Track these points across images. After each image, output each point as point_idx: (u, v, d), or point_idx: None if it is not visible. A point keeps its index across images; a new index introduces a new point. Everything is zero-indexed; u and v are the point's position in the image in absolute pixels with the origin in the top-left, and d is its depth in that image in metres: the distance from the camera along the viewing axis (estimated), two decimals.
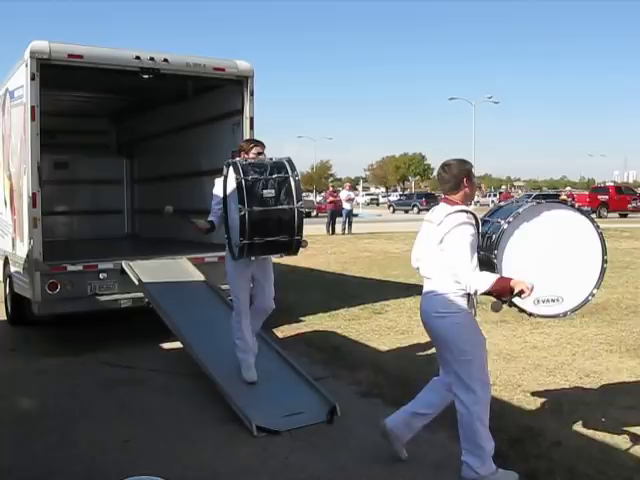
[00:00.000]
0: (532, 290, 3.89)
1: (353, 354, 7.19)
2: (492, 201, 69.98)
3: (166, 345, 7.46)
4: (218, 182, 5.67)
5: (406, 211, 57.39)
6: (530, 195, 48.26)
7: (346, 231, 25.38)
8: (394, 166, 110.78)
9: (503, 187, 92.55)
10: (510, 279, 3.97)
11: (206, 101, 9.92)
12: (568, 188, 72.01)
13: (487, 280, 3.92)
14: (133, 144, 13.44)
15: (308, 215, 46.58)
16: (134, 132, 13.29)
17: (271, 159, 5.49)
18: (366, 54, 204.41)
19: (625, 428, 5.02)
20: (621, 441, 4.80)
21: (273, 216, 5.25)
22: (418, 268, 4.44)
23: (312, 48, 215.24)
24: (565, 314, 4.56)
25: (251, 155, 5.74)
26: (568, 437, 4.86)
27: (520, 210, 4.38)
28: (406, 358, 6.98)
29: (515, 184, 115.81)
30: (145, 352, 7.34)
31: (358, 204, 56.47)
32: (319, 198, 62.62)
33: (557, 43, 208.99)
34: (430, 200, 54.01)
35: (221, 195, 5.47)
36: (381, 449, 4.59)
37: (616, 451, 4.66)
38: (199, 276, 7.89)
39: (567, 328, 8.29)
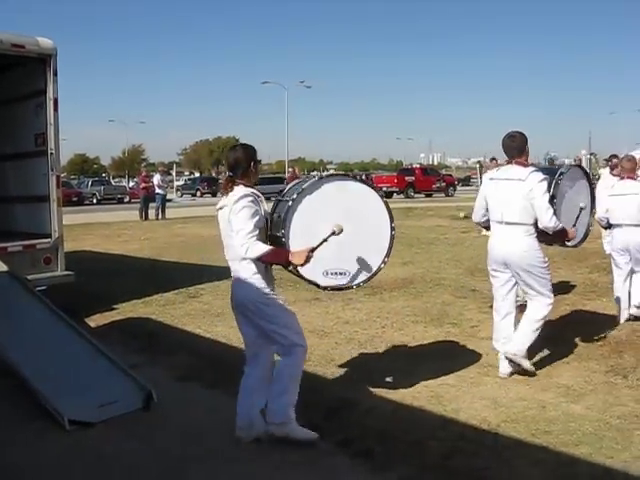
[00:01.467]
0: (308, 260, 4.17)
1: (168, 339, 7.10)
2: None
3: None
4: None
5: (193, 194, 57.25)
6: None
7: (159, 216, 24.85)
8: (208, 150, 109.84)
9: (315, 171, 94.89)
10: (287, 251, 4.26)
11: (5, 80, 9.26)
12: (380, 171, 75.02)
13: (260, 249, 4.17)
14: None
15: (121, 201, 45.18)
16: None
17: None
18: (175, 35, 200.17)
19: (430, 390, 5.40)
20: (426, 402, 5.16)
21: None
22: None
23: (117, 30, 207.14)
24: (357, 285, 4.70)
25: None
26: (379, 404, 5.14)
27: (304, 186, 4.49)
28: (222, 340, 6.98)
29: (328, 167, 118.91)
30: None
31: (173, 189, 55.58)
32: (132, 184, 60.86)
33: (363, 25, 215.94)
34: (213, 184, 54.33)
35: None
36: (200, 430, 4.59)
37: (422, 412, 5.00)
38: (1, 266, 7.40)
39: (377, 303, 8.71)
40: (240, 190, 4.29)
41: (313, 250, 4.20)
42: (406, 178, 44.04)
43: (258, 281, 4.35)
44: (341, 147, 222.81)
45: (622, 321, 7.39)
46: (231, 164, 4.46)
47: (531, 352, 6.24)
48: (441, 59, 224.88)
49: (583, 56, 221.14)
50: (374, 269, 4.68)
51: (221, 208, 4.39)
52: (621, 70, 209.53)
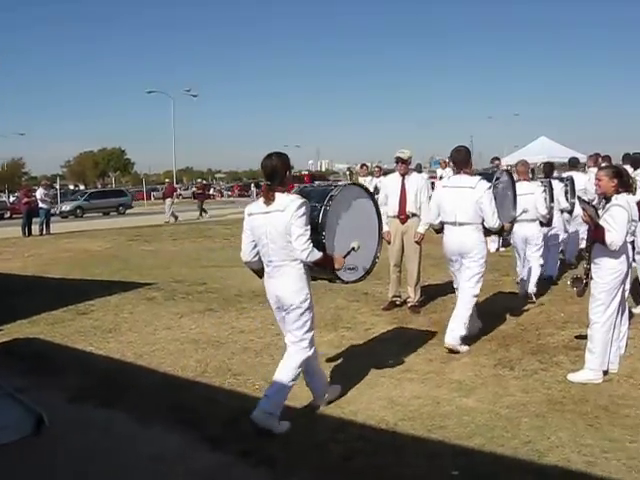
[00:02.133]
0: (342, 265, 4.91)
1: (58, 359, 6.82)
2: (192, 193, 70.73)
3: None
4: None
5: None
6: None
7: (44, 232, 23.90)
8: (93, 162, 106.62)
9: (199, 179, 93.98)
10: (332, 258, 4.85)
11: None
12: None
13: (317, 255, 4.69)
14: None
15: (1, 217, 43.11)
16: None
17: None
18: (54, 43, 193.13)
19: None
20: (325, 407, 5.21)
21: None
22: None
23: None
24: (364, 277, 5.41)
25: None
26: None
27: (333, 192, 5.07)
28: (115, 357, 6.79)
29: (217, 176, 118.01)
30: None
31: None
32: (12, 199, 58.17)
33: (247, 29, 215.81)
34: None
35: None
36: (95, 452, 4.45)
37: (320, 415, 5.05)
38: None
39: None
40: (292, 197, 4.72)
41: (345, 257, 4.93)
42: (295, 185, 44.18)
43: (304, 281, 4.85)
44: (229, 156, 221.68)
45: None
46: (269, 173, 4.77)
47: (422, 351, 6.46)
48: (328, 61, 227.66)
49: (463, 60, 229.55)
50: (371, 263, 5.45)
51: (268, 212, 4.74)
52: (499, 75, 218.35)
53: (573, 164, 13.30)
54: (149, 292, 10.21)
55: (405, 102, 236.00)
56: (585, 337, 5.92)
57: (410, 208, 8.31)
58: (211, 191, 75.02)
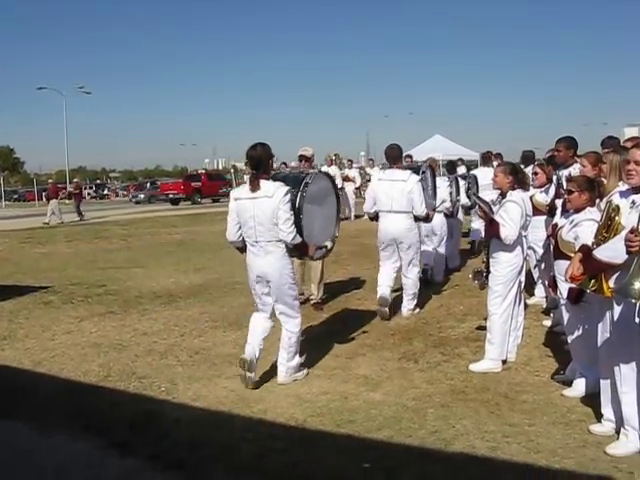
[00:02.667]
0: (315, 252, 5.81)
1: None
2: (88, 193, 68.77)
3: None
4: None
5: None
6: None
7: None
8: None
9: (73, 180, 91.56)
10: (308, 244, 5.65)
11: None
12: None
13: (299, 238, 5.44)
14: None
15: None
16: None
17: None
18: None
19: (236, 394, 5.43)
20: (233, 406, 5.19)
21: None
22: None
23: None
24: (327, 253, 6.30)
25: None
26: (186, 413, 5.07)
27: (308, 180, 5.73)
28: (12, 365, 6.47)
29: (111, 175, 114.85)
30: None
31: None
32: None
33: (141, 27, 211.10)
34: None
35: None
36: None
37: (229, 416, 5.02)
38: None
39: (173, 311, 8.58)
40: (276, 184, 5.36)
41: (319, 247, 5.92)
42: (192, 184, 43.50)
43: (287, 259, 5.58)
44: (124, 155, 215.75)
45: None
46: (255, 162, 5.41)
47: (327, 348, 6.53)
48: (224, 59, 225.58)
49: (360, 59, 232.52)
50: (332, 242, 6.23)
51: (255, 198, 5.34)
52: (395, 75, 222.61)
53: (485, 160, 13.76)
54: (45, 296, 9.83)
55: (303, 101, 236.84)
56: (484, 328, 6.16)
57: None
58: (105, 191, 73.17)
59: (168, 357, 6.57)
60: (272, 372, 5.90)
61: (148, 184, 60.36)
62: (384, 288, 7.73)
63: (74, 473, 4.16)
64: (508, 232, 5.68)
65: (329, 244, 6.09)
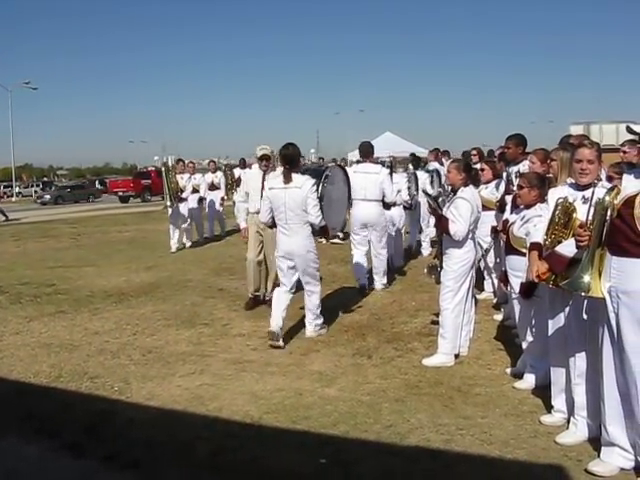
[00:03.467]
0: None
1: None
2: (35, 191, 67.41)
3: None
4: None
5: None
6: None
7: None
8: None
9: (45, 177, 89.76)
10: (327, 227, 7.00)
11: None
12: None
13: (324, 221, 6.77)
14: None
15: None
16: None
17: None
18: None
19: (190, 392, 5.40)
20: (188, 404, 5.15)
21: None
22: None
23: None
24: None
25: None
26: (140, 413, 5.02)
27: (328, 173, 7.21)
28: None
29: (58, 172, 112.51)
30: None
31: None
32: None
33: (87, 19, 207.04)
34: None
35: None
36: None
37: (184, 414, 4.99)
38: None
39: (125, 310, 8.47)
40: (305, 177, 6.71)
41: (332, 228, 7.30)
42: (142, 182, 42.71)
43: (311, 238, 6.85)
44: (72, 152, 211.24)
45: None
46: (288, 159, 6.72)
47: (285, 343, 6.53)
48: (171, 52, 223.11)
49: (309, 56, 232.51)
50: (343, 222, 7.89)
51: (287, 188, 6.64)
52: (346, 71, 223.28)
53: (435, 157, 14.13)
54: None
55: (251, 98, 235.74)
56: (437, 323, 6.24)
57: None
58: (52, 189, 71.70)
59: (120, 356, 6.49)
60: (225, 370, 5.90)
61: (97, 182, 59.40)
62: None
63: (25, 477, 4.08)
64: (457, 228, 5.77)
65: (339, 226, 7.91)
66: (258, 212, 8.08)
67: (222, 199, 16.47)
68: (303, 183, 6.58)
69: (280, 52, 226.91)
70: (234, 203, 14.93)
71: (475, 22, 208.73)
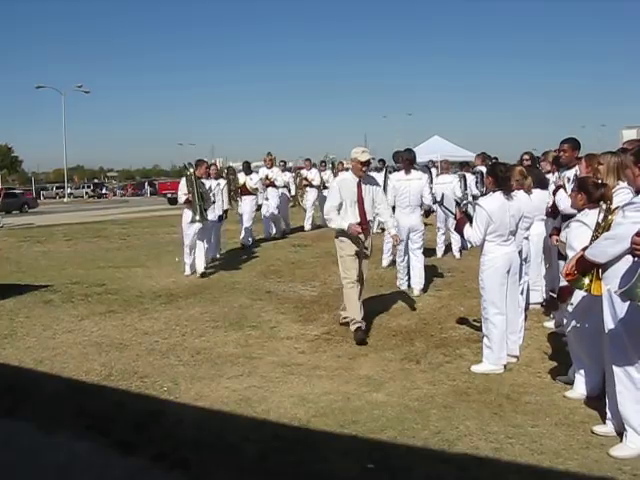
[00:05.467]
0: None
1: None
2: (86, 192, 68.76)
3: None
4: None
5: None
6: None
7: None
8: None
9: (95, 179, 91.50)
10: None
11: None
12: None
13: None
14: None
15: None
16: None
17: None
18: None
19: (239, 394, 5.42)
20: (236, 406, 5.19)
21: None
22: None
23: None
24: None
25: None
26: (189, 413, 5.07)
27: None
28: (13, 364, 6.43)
29: (108, 174, 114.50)
30: None
31: None
32: None
33: (140, 21, 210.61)
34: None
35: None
36: None
37: (232, 416, 5.02)
38: None
39: (174, 311, 8.57)
40: (420, 172, 9.74)
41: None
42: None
43: (421, 217, 9.63)
44: (122, 154, 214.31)
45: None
46: (411, 158, 9.56)
47: (329, 348, 6.53)
48: (224, 67, 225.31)
49: (357, 60, 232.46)
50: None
51: (410, 180, 9.33)
52: (395, 74, 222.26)
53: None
54: (45, 295, 9.80)
55: (301, 103, 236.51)
56: (480, 330, 6.18)
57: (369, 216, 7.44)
58: (103, 190, 73.07)
59: (170, 357, 6.57)
60: (273, 372, 5.92)
61: (146, 184, 60.21)
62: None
63: (77, 473, 4.15)
64: (470, 234, 5.78)
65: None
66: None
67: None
68: (421, 176, 9.47)
69: (329, 56, 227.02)
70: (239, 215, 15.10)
71: (525, 26, 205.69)
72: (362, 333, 6.94)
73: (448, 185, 12.25)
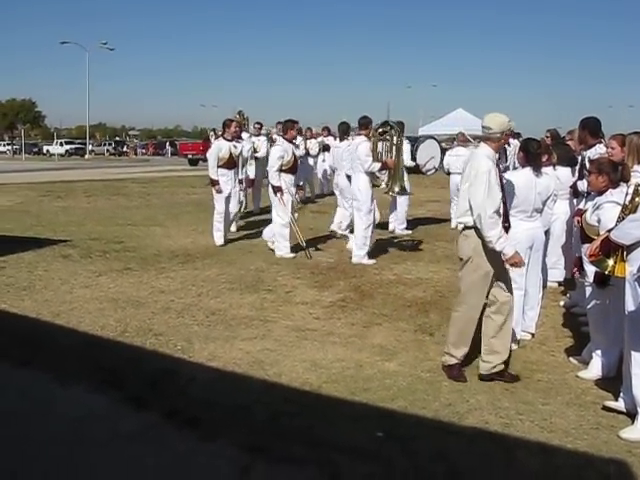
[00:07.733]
0: None
1: None
2: (107, 150, 68.84)
3: None
4: None
5: None
6: None
7: None
8: (0, 113, 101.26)
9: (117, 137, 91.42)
10: None
11: None
12: None
13: None
14: None
15: None
16: None
17: None
18: None
19: (252, 356, 5.45)
20: (248, 368, 5.21)
21: None
22: None
23: None
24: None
25: None
26: (202, 372, 5.10)
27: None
28: (31, 315, 6.54)
29: (130, 133, 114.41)
30: None
31: None
32: None
33: None
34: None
35: None
36: (10, 412, 4.31)
37: (244, 377, 5.04)
38: None
39: (191, 271, 8.61)
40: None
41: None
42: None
43: None
44: (144, 113, 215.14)
45: None
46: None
47: (343, 315, 6.54)
48: (248, 16, 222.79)
49: (382, 31, 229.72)
50: None
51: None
52: (420, 45, 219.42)
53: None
54: (64, 249, 9.89)
55: (323, 69, 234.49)
56: None
57: None
58: (124, 148, 73.16)
59: (185, 316, 6.61)
60: (286, 336, 5.94)
61: (167, 144, 60.18)
62: None
63: (90, 425, 4.19)
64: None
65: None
66: None
67: None
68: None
69: (353, 24, 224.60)
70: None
71: (555, 6, 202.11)
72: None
73: (461, 158, 12.05)
